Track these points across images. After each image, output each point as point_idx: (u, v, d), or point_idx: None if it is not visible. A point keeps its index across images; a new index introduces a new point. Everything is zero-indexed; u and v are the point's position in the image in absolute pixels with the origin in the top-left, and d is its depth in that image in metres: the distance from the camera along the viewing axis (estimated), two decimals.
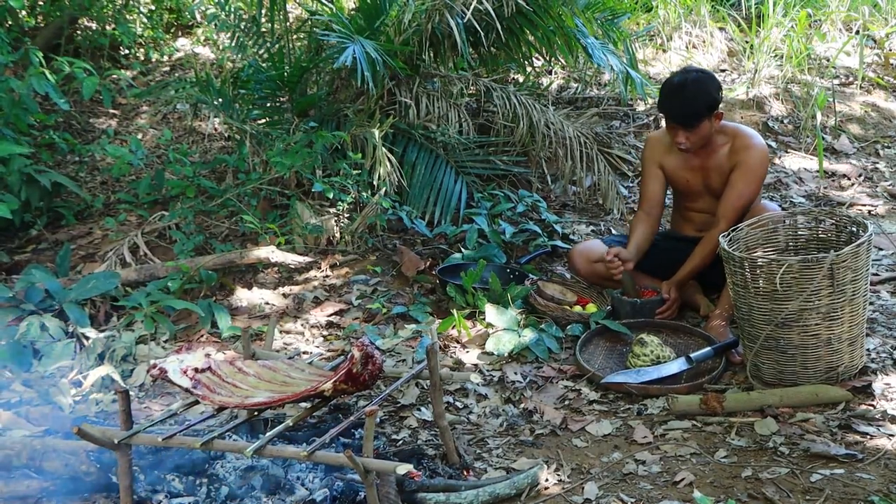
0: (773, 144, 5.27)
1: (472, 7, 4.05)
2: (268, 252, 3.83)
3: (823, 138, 5.19)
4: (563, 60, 5.10)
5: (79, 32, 5.70)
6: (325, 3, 4.73)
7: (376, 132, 4.07)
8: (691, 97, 3.25)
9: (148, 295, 3.57)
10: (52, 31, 5.40)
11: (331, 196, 4.01)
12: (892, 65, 6.19)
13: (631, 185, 4.81)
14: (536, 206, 4.35)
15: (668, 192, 3.69)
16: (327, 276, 3.92)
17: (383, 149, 4.05)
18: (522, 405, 2.93)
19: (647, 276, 3.64)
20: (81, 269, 3.93)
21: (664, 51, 6.05)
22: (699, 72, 3.38)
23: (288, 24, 4.80)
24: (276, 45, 4.69)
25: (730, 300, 3.23)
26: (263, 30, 4.76)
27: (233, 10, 4.83)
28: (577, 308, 3.51)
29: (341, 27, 4.14)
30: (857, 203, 4.65)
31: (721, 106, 3.32)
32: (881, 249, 4.08)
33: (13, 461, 2.47)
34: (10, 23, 4.99)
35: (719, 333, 3.26)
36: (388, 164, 4.06)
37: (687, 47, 6.18)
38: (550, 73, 5.56)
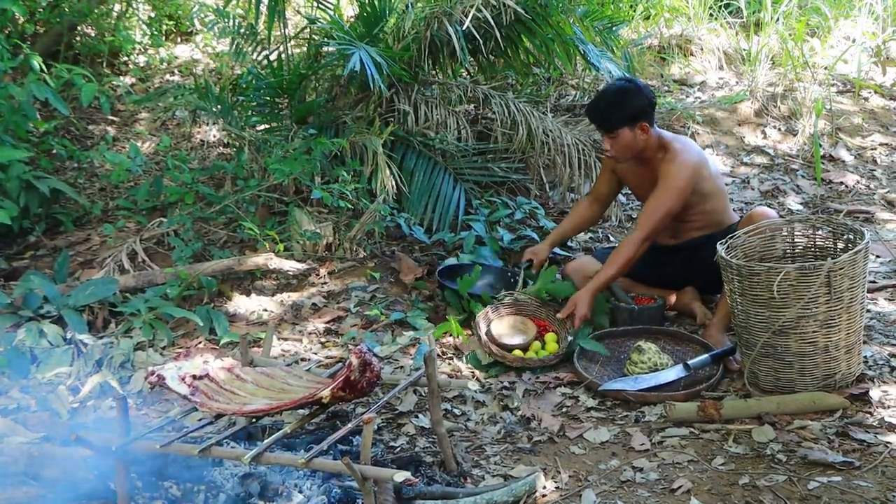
0: (771, 152, 5.28)
1: (470, 15, 4.06)
2: (266, 259, 3.83)
3: (821, 146, 5.20)
4: (561, 68, 5.12)
5: (78, 39, 5.71)
6: (326, 10, 4.74)
7: (377, 140, 4.08)
8: (610, 105, 3.36)
9: (146, 301, 3.57)
10: (51, 37, 5.41)
11: (329, 203, 4.02)
12: (889, 72, 6.21)
13: (628, 192, 4.82)
14: (534, 213, 4.35)
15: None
16: (325, 283, 3.92)
17: (384, 157, 4.06)
18: (520, 412, 2.93)
19: (639, 283, 3.68)
20: (80, 275, 3.93)
21: (663, 59, 6.07)
22: (627, 81, 3.47)
23: (287, 30, 4.81)
24: (275, 53, 4.70)
25: (727, 308, 3.24)
26: (262, 37, 4.77)
27: (232, 17, 4.84)
28: (530, 352, 3.29)
29: (343, 34, 4.15)
30: (854, 210, 4.66)
31: (651, 119, 3.36)
32: (878, 257, 4.09)
33: (11, 468, 2.47)
34: (9, 29, 5.00)
35: (717, 341, 3.27)
36: (388, 171, 4.06)
37: (685, 55, 6.20)
38: (549, 80, 5.57)
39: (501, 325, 3.37)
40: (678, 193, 3.36)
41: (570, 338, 3.31)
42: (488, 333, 3.31)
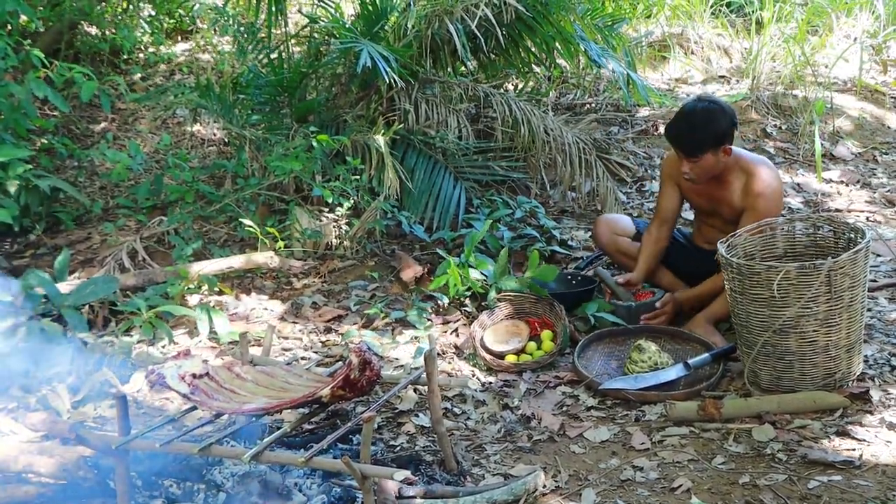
0: (772, 150, 5.28)
1: (477, 17, 4.06)
2: (266, 257, 3.83)
3: (822, 145, 5.19)
4: (563, 66, 5.12)
5: (78, 38, 5.71)
6: (327, 8, 4.74)
7: (381, 139, 4.08)
8: (695, 128, 3.19)
9: (146, 300, 3.58)
10: (52, 35, 5.41)
11: (330, 201, 4.01)
12: (889, 70, 6.21)
13: (629, 191, 4.82)
14: (535, 211, 4.35)
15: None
16: (326, 282, 3.92)
17: (389, 155, 4.06)
18: (520, 411, 2.93)
19: (669, 271, 3.66)
20: (80, 274, 3.93)
21: (664, 57, 6.07)
22: (711, 102, 3.29)
23: (287, 29, 4.81)
24: (276, 51, 4.70)
25: (719, 304, 3.26)
26: (262, 35, 4.77)
27: (232, 15, 4.84)
28: (524, 354, 3.32)
29: (347, 32, 4.15)
30: (854, 209, 4.66)
31: (732, 139, 3.24)
32: (879, 256, 4.08)
33: (11, 466, 2.47)
34: (10, 27, 5.00)
35: (704, 332, 3.28)
36: (392, 169, 4.06)
37: (686, 53, 6.20)
38: (549, 78, 5.57)
39: (495, 332, 3.40)
40: (776, 211, 3.27)
41: (567, 328, 3.35)
42: (482, 342, 3.33)
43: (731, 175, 3.31)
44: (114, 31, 5.77)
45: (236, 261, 3.85)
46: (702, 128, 3.18)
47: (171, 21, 6.43)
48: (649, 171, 4.91)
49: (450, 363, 3.30)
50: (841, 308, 2.73)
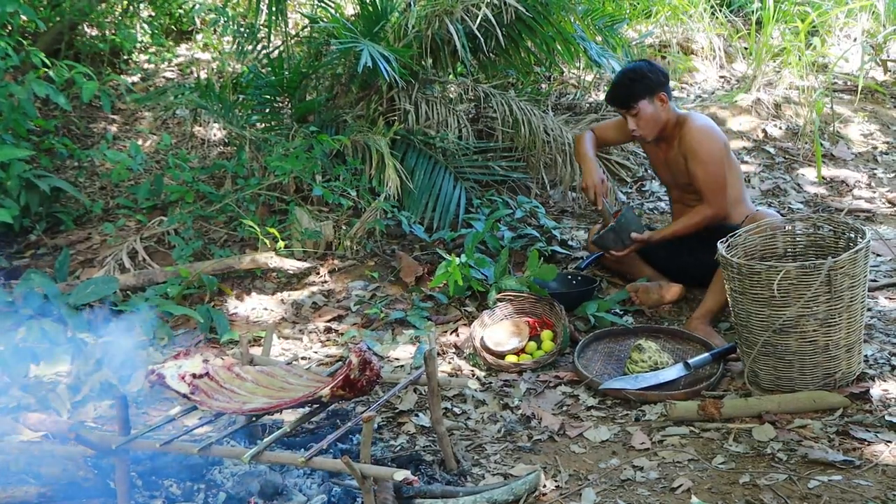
0: (772, 150, 5.28)
1: (479, 17, 4.06)
2: (266, 257, 3.83)
3: (822, 144, 5.19)
4: (563, 66, 5.12)
5: (79, 38, 5.71)
6: (327, 8, 4.74)
7: (381, 139, 4.08)
8: (625, 82, 3.47)
9: (146, 300, 3.58)
10: (52, 36, 5.41)
11: (330, 201, 4.01)
12: (890, 70, 6.21)
13: (629, 191, 4.82)
14: (535, 211, 4.35)
15: None
16: (326, 282, 3.92)
17: (390, 156, 4.06)
18: (520, 411, 2.93)
19: (650, 266, 3.78)
20: (80, 274, 3.93)
21: (663, 57, 6.07)
22: (638, 61, 3.73)
23: (287, 29, 4.81)
24: (276, 51, 4.70)
25: (714, 301, 3.31)
26: (262, 35, 4.77)
27: (233, 16, 4.84)
28: (524, 354, 3.34)
29: (347, 32, 4.15)
30: (855, 209, 4.66)
31: (668, 92, 3.47)
32: (879, 255, 4.08)
33: (11, 466, 2.47)
34: (10, 28, 5.00)
35: (704, 333, 3.30)
36: (393, 170, 4.06)
37: (686, 53, 6.19)
38: (549, 78, 5.57)
39: (495, 332, 3.40)
40: (717, 160, 3.43)
41: (567, 328, 3.35)
42: (482, 342, 3.33)
43: (673, 132, 3.52)
44: (114, 31, 5.77)
45: (236, 261, 3.85)
46: (630, 81, 3.46)
47: (171, 21, 6.43)
48: (649, 171, 4.91)
49: (450, 363, 3.30)
50: (841, 308, 2.73)
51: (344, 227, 4.10)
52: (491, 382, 3.15)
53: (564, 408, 2.97)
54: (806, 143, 5.31)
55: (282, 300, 3.80)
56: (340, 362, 3.18)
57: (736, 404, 2.80)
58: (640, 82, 3.43)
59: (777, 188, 4.93)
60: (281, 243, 3.94)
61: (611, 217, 3.64)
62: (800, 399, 2.77)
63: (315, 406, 2.29)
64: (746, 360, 2.92)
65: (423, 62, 4.42)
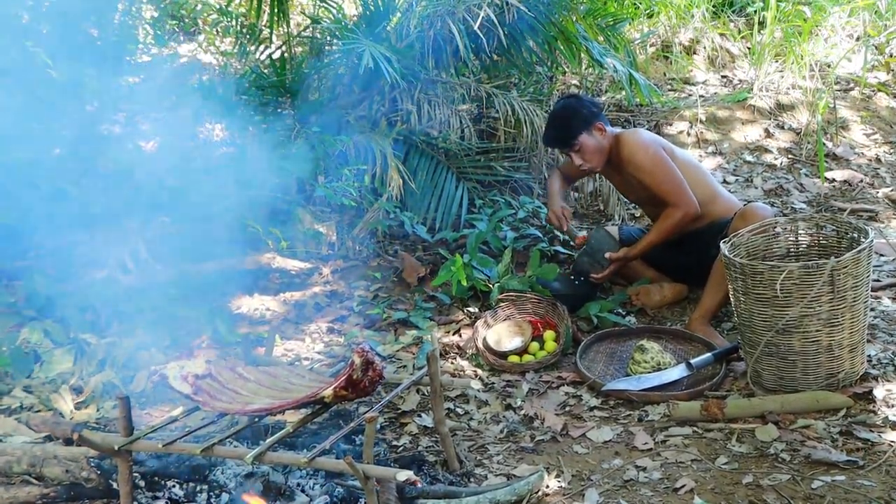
0: (774, 151, 5.27)
1: (480, 18, 4.06)
2: (269, 258, 3.83)
3: (824, 144, 5.19)
4: (565, 66, 5.11)
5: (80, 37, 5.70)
6: (329, 9, 4.74)
7: (384, 140, 4.08)
8: (558, 120, 3.55)
9: (149, 300, 3.57)
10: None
11: (332, 201, 4.01)
12: (892, 70, 6.20)
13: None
14: (537, 212, 4.35)
15: None
16: (328, 283, 3.92)
17: (392, 156, 4.06)
18: (523, 411, 2.93)
19: (652, 268, 3.83)
20: (83, 274, 3.93)
21: (665, 57, 6.06)
22: (567, 97, 3.76)
23: (289, 29, 4.81)
24: (278, 52, 4.70)
25: (712, 300, 3.31)
26: (264, 36, 4.77)
27: (235, 16, 4.84)
28: (527, 354, 3.34)
29: (349, 33, 4.15)
30: (858, 209, 4.65)
31: (604, 119, 3.56)
32: (882, 255, 4.08)
33: (13, 467, 2.47)
34: None
35: (704, 333, 3.30)
36: (396, 170, 4.06)
37: (688, 53, 6.19)
38: (551, 78, 5.56)
39: (497, 332, 3.40)
40: (659, 163, 3.46)
41: (569, 330, 3.34)
42: (484, 343, 3.32)
43: (617, 153, 3.56)
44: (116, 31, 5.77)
45: (239, 261, 3.85)
46: (564, 120, 3.53)
47: (174, 22, 6.42)
48: None
49: (452, 363, 3.30)
50: (844, 308, 2.73)
51: (346, 228, 4.10)
52: (494, 383, 3.15)
53: (567, 408, 2.97)
54: (808, 143, 5.31)
55: (284, 301, 3.80)
56: (343, 363, 3.18)
57: (739, 404, 2.80)
58: (574, 119, 3.49)
59: (780, 188, 4.92)
60: (283, 244, 3.94)
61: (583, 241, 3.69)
62: (803, 399, 2.77)
63: (318, 407, 2.29)
64: (749, 360, 2.91)
65: (425, 62, 4.41)
